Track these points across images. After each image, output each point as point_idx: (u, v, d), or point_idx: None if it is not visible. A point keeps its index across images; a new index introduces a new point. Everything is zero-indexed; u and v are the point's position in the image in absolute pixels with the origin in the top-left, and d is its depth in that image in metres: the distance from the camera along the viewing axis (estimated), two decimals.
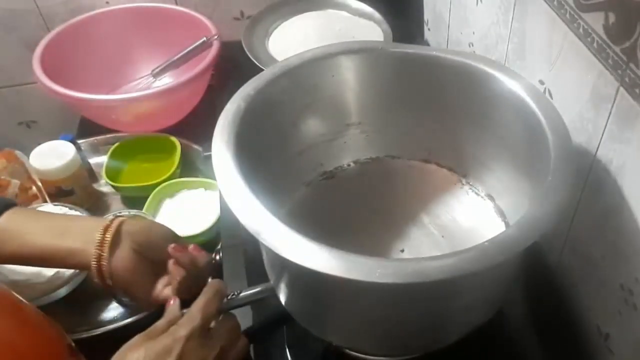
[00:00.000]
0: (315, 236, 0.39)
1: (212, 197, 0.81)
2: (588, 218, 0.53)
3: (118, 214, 0.71)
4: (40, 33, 0.96)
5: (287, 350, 0.55)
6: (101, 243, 0.56)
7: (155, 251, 0.59)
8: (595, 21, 0.46)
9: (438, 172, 0.62)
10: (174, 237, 0.61)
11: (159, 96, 0.85)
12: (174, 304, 0.53)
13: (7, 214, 0.58)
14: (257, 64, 0.88)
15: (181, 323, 0.49)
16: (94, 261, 0.56)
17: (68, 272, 0.72)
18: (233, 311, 0.54)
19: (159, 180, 0.83)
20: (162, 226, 0.63)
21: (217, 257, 0.65)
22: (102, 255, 0.57)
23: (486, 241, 0.38)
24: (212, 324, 0.52)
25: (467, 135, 0.58)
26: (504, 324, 0.55)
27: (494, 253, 0.38)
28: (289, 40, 0.95)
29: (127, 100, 0.86)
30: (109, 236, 0.57)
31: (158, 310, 0.59)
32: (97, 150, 0.93)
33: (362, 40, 0.91)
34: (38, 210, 0.64)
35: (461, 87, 0.56)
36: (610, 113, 0.46)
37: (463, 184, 0.60)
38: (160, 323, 0.51)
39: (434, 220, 0.58)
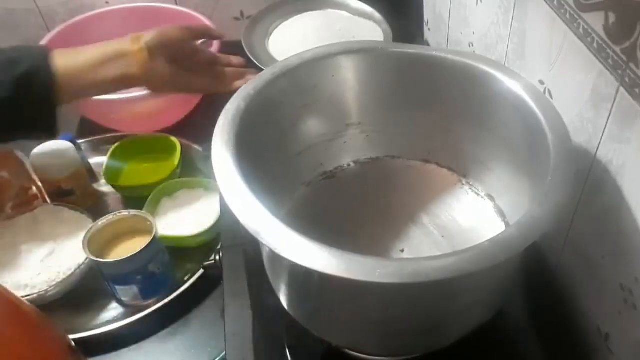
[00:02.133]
0: (315, 236, 0.39)
1: (212, 197, 0.81)
2: (588, 218, 0.53)
3: (118, 214, 0.71)
4: (40, 33, 0.96)
5: (287, 350, 0.55)
6: (141, 66, 0.70)
7: (179, 44, 0.73)
8: (595, 21, 0.46)
9: (438, 172, 0.62)
10: (187, 29, 0.75)
11: (159, 96, 0.85)
12: None
13: (56, 60, 0.67)
14: (257, 64, 0.88)
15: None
16: (139, 73, 0.70)
17: (68, 272, 0.72)
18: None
19: (159, 180, 0.83)
20: (171, 27, 0.74)
21: (217, 257, 0.65)
22: (144, 66, 0.70)
23: (486, 241, 0.38)
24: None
25: (467, 135, 0.58)
26: (504, 324, 0.55)
27: (494, 253, 0.38)
28: (289, 40, 0.95)
29: (127, 100, 0.86)
30: (142, 56, 0.70)
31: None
32: (97, 150, 0.93)
33: (362, 40, 0.91)
34: (71, 50, 0.71)
35: (461, 87, 0.56)
36: (610, 113, 0.46)
37: (463, 184, 0.60)
38: None
39: (434, 220, 0.58)
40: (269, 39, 0.96)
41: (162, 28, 0.73)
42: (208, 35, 0.80)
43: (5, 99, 0.64)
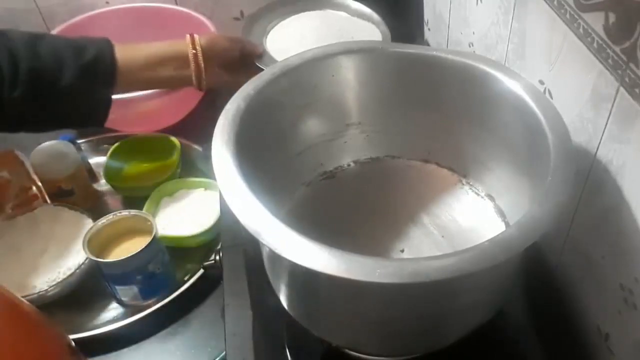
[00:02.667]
0: (315, 236, 0.39)
1: (212, 197, 0.81)
2: (588, 218, 0.53)
3: (118, 214, 0.71)
4: None
5: (287, 350, 0.55)
6: (196, 69, 0.75)
7: (227, 52, 0.79)
8: (595, 21, 0.46)
9: (438, 172, 0.62)
10: (233, 41, 0.81)
11: (159, 96, 0.85)
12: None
13: (117, 51, 0.71)
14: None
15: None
16: (193, 78, 0.76)
17: (68, 272, 0.72)
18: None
19: (159, 180, 0.83)
20: (221, 36, 0.82)
21: (217, 257, 0.65)
22: (201, 76, 0.76)
23: (486, 241, 0.38)
24: None
25: (467, 135, 0.58)
26: (504, 324, 0.55)
27: (494, 253, 0.38)
28: (287, 40, 0.94)
29: (127, 100, 0.86)
30: (201, 65, 0.75)
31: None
32: (97, 150, 0.93)
33: (362, 40, 0.91)
34: (131, 44, 0.74)
35: (461, 87, 0.56)
36: (610, 113, 0.46)
37: (463, 184, 0.60)
38: None
39: (434, 220, 0.58)
40: (266, 38, 0.96)
41: (213, 36, 0.82)
42: (248, 49, 0.83)
43: (70, 82, 0.67)
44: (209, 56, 0.76)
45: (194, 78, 0.76)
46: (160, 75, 0.74)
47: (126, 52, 0.72)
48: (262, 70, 0.80)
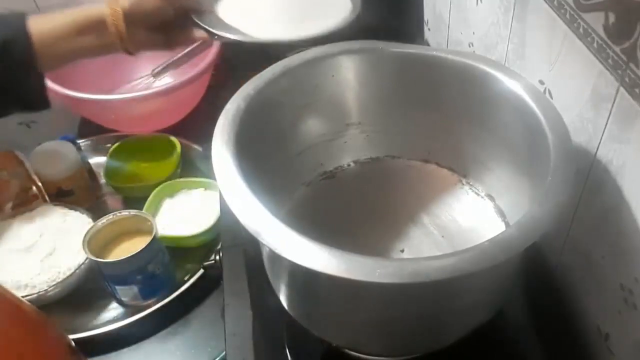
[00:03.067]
0: (315, 236, 0.39)
1: (212, 197, 0.81)
2: (588, 218, 0.53)
3: (118, 214, 0.71)
4: None
5: (287, 350, 0.55)
6: (119, 35, 0.69)
7: (158, 12, 0.71)
8: (595, 21, 0.46)
9: (438, 172, 0.62)
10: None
11: (159, 96, 0.85)
12: None
13: (32, 27, 0.65)
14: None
15: None
16: (118, 44, 0.69)
17: (68, 272, 0.72)
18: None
19: (159, 180, 0.83)
20: None
21: (217, 257, 0.65)
22: (123, 38, 0.69)
23: (486, 241, 0.38)
24: None
25: (467, 135, 0.58)
26: (504, 324, 0.55)
27: (494, 253, 0.38)
28: (242, 3, 0.87)
29: (127, 100, 0.86)
30: (121, 29, 0.68)
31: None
32: (97, 150, 0.93)
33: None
34: (48, 16, 0.68)
35: (461, 87, 0.56)
36: (610, 113, 0.46)
37: (463, 184, 0.60)
38: None
39: (434, 220, 0.58)
40: (219, 3, 0.88)
41: None
42: (184, 6, 0.75)
43: None
44: (135, 17, 0.70)
45: (118, 43, 0.70)
46: (83, 45, 0.68)
47: (42, 24, 0.66)
48: (202, 28, 0.74)
